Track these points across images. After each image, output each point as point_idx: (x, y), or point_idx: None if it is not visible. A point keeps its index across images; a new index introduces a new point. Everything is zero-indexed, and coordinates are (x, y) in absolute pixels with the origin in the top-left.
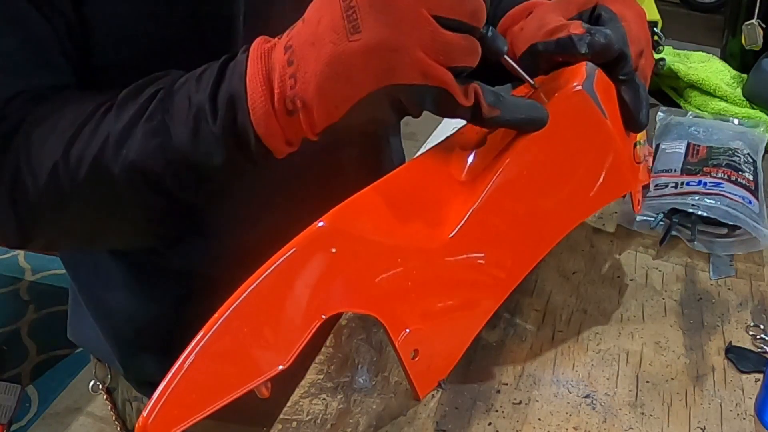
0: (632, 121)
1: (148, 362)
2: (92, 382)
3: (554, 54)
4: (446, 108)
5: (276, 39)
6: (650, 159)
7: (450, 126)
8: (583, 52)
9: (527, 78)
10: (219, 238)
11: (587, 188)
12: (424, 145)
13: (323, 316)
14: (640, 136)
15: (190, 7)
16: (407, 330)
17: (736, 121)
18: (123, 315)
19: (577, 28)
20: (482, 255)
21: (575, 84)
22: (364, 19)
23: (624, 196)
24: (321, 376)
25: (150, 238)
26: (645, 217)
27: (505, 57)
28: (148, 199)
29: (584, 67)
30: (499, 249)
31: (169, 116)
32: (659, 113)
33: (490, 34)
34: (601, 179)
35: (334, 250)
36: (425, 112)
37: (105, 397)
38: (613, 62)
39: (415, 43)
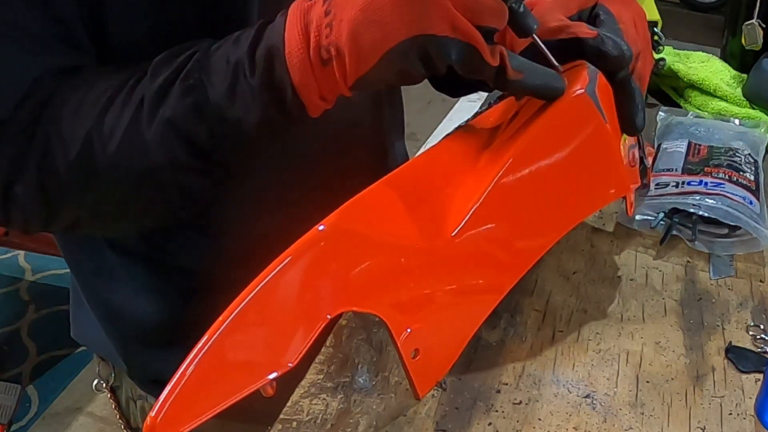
0: (628, 125)
1: (152, 360)
2: (95, 381)
3: (559, 52)
4: (472, 65)
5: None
6: (650, 159)
7: (451, 125)
8: (590, 54)
9: (553, 60)
10: (224, 235)
11: (586, 191)
12: (424, 145)
13: (328, 316)
14: (635, 139)
15: None
16: (408, 329)
17: (737, 122)
18: (127, 313)
19: (582, 28)
20: (483, 254)
21: (578, 88)
22: None
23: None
24: (321, 376)
25: (177, 213)
26: (645, 217)
27: (534, 36)
28: (182, 162)
29: (586, 71)
30: (499, 249)
31: (206, 74)
32: (660, 113)
33: (521, 9)
34: (601, 180)
35: (341, 243)
36: (427, 113)
37: (108, 395)
38: (610, 64)
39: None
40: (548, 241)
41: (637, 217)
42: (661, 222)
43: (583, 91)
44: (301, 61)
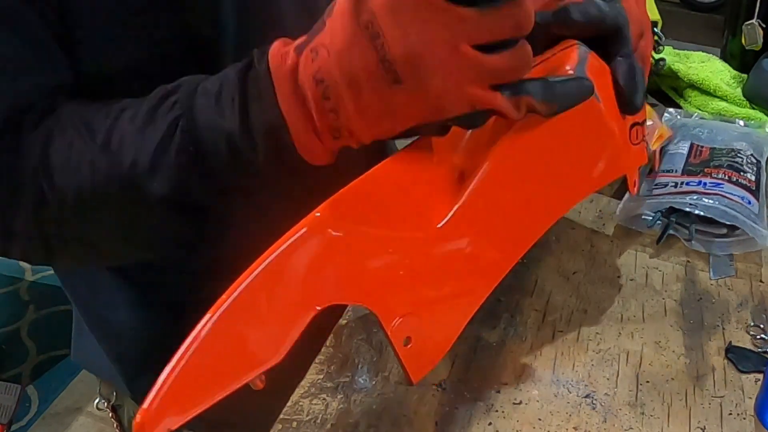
0: (626, 104)
1: (153, 381)
2: (97, 401)
3: (551, 26)
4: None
5: (292, 51)
6: (659, 140)
7: None
8: (575, 18)
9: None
10: (217, 248)
11: (580, 173)
12: None
13: (317, 308)
14: (641, 116)
15: (176, 14)
16: (399, 319)
17: (741, 123)
18: (126, 334)
19: None
20: (474, 242)
21: (567, 68)
22: (402, 71)
23: (624, 196)
24: (321, 376)
25: (180, 242)
26: (643, 216)
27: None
28: (183, 224)
29: (576, 51)
30: (491, 236)
31: (201, 148)
32: (665, 114)
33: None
34: (594, 164)
35: (333, 234)
36: None
37: (111, 414)
38: (609, 40)
39: (460, 81)
40: (543, 225)
41: (635, 215)
42: (659, 221)
43: (572, 72)
44: (310, 139)
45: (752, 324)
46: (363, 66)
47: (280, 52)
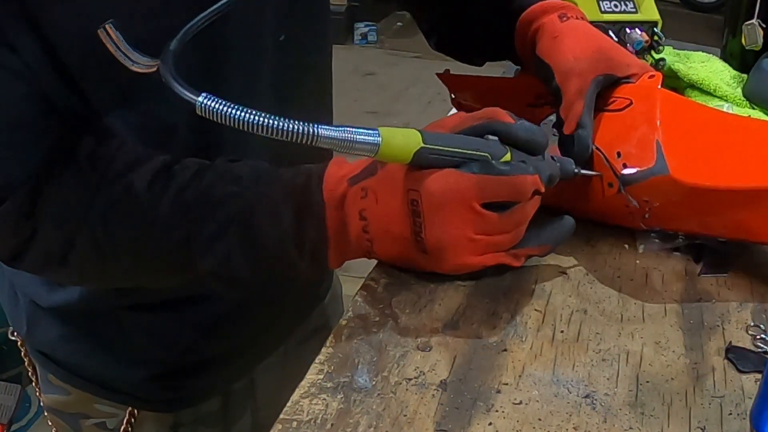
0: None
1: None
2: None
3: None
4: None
5: (345, 181)
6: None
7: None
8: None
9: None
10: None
11: None
12: None
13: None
14: None
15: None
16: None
17: None
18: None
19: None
20: None
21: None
22: (430, 251)
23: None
24: (321, 376)
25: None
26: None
27: (581, 172)
28: (220, 286)
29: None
30: None
31: (253, 242)
32: None
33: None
34: None
35: None
36: (427, 113)
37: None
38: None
39: (472, 255)
40: None
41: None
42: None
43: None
44: (343, 254)
45: (752, 324)
46: (400, 230)
47: (335, 177)
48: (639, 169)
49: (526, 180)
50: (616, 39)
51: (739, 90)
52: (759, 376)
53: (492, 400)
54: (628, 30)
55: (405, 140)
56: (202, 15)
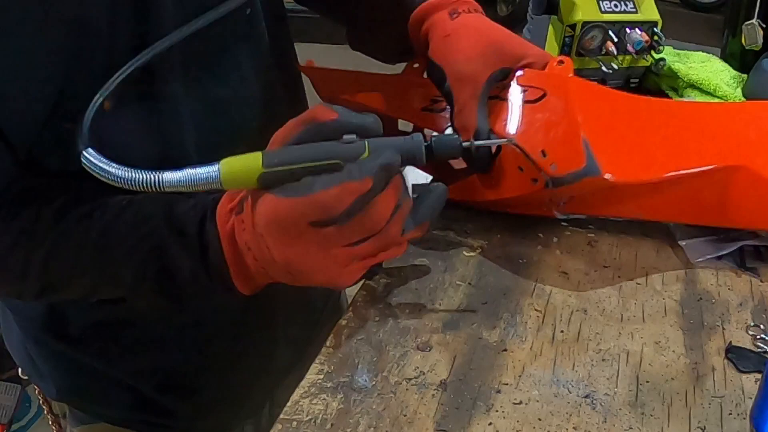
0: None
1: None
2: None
3: None
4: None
5: (232, 215)
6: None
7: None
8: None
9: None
10: None
11: None
12: None
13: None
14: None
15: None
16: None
17: None
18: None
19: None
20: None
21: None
22: (290, 271)
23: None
24: (321, 376)
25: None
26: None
27: (474, 144)
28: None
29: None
30: None
31: (168, 282)
32: None
33: (434, 144)
34: None
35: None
36: None
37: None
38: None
39: (341, 267)
40: None
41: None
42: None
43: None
44: (249, 283)
45: (752, 324)
46: (266, 258)
47: (224, 210)
48: (569, 171)
49: (328, 194)
50: (616, 39)
51: (739, 90)
52: (759, 376)
53: (492, 400)
54: (628, 30)
55: (245, 168)
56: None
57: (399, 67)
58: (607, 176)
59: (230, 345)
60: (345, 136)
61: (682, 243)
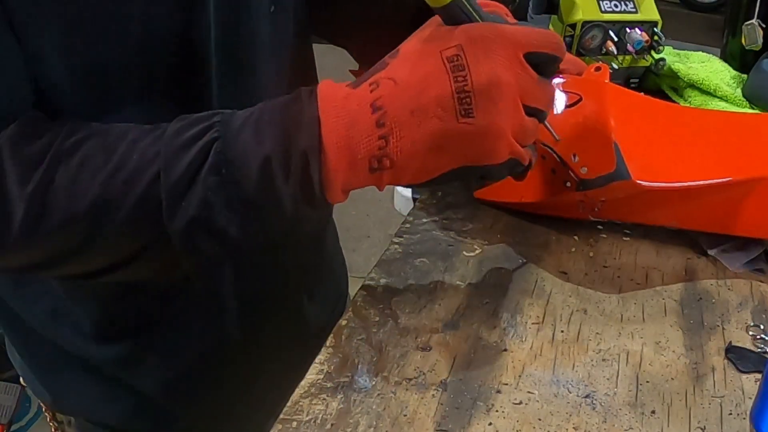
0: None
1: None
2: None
3: None
4: (513, 172)
5: (345, 86)
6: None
7: None
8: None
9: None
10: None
11: None
12: None
13: None
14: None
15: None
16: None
17: None
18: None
19: None
20: None
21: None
22: (478, 105)
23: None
24: (321, 376)
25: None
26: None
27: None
28: (204, 249)
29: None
30: None
31: (234, 169)
32: None
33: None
34: None
35: None
36: None
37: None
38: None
39: (511, 130)
40: None
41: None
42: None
43: None
44: (345, 168)
45: (752, 324)
46: (437, 95)
47: (330, 86)
48: (600, 174)
49: (554, 34)
50: (616, 39)
51: (739, 90)
52: (759, 376)
53: (492, 400)
54: (628, 30)
55: None
56: None
57: None
58: (637, 181)
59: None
60: None
61: (712, 252)
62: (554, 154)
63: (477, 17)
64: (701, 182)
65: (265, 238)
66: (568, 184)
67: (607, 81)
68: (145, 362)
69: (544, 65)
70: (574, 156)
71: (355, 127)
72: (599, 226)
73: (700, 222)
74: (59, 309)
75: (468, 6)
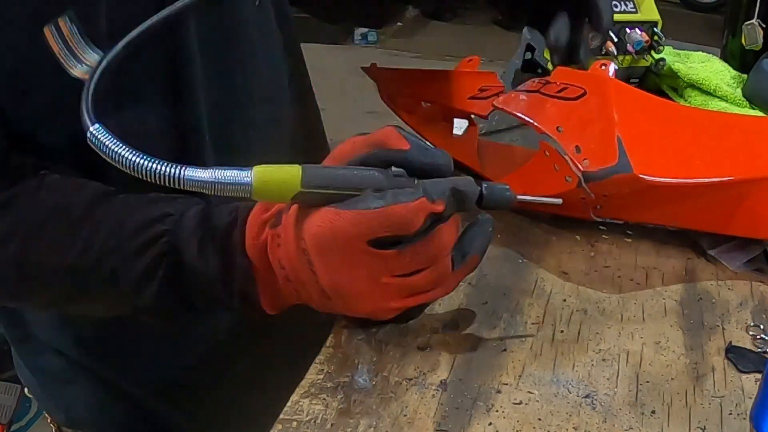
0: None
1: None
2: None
3: None
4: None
5: (266, 227)
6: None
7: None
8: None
9: (552, 200)
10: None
11: None
12: None
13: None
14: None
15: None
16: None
17: None
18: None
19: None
20: None
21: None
22: (332, 295)
23: None
24: (321, 376)
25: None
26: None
27: (520, 199)
28: (156, 320)
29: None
30: None
31: (185, 284)
32: None
33: (485, 192)
34: None
35: None
36: None
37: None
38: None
39: (385, 301)
40: None
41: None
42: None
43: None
44: (276, 301)
45: (752, 324)
46: (305, 278)
47: (257, 221)
48: (601, 167)
49: (407, 208)
50: (616, 39)
51: (739, 90)
52: (759, 376)
53: (492, 400)
54: (628, 30)
55: (281, 181)
56: (149, 21)
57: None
58: (639, 175)
59: (226, 359)
60: (393, 168)
61: (712, 252)
62: (556, 147)
63: (330, 193)
64: (703, 180)
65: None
66: (570, 179)
67: (611, 77)
68: (143, 366)
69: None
70: (577, 148)
71: (275, 278)
72: (601, 227)
73: (700, 222)
74: (63, 318)
75: (316, 191)
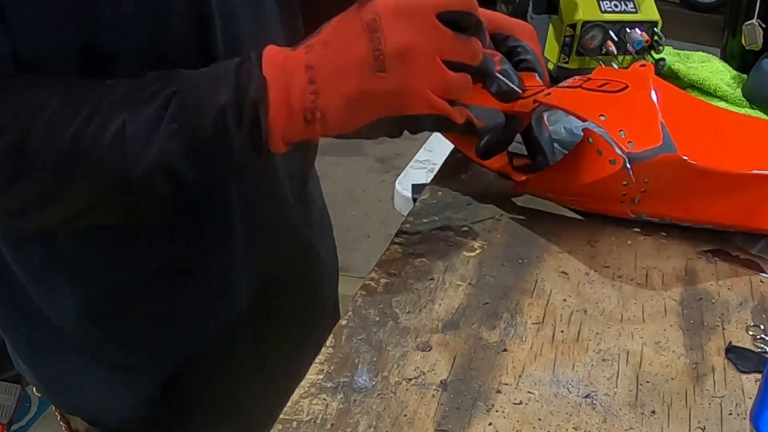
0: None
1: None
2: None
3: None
4: (444, 126)
5: (288, 50)
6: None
7: None
8: (492, 91)
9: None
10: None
11: None
12: (423, 146)
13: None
14: None
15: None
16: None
17: None
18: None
19: (498, 63)
20: None
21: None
22: (391, 65)
23: None
24: (321, 376)
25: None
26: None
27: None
28: (162, 190)
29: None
30: None
31: (192, 117)
32: None
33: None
34: None
35: None
36: None
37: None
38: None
39: (427, 85)
40: None
41: None
42: None
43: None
44: (285, 120)
45: (752, 324)
46: (356, 55)
47: (274, 50)
48: (646, 148)
49: None
50: (616, 39)
51: (739, 90)
52: (759, 376)
53: (492, 400)
54: (628, 30)
55: None
56: None
57: None
58: (683, 157)
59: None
60: None
61: (753, 251)
62: (600, 132)
63: None
64: (745, 171)
65: (215, 180)
66: (615, 162)
67: (652, 74)
68: (143, 360)
69: (460, 21)
70: (621, 132)
71: (292, 84)
72: (635, 228)
73: (737, 217)
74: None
75: None
